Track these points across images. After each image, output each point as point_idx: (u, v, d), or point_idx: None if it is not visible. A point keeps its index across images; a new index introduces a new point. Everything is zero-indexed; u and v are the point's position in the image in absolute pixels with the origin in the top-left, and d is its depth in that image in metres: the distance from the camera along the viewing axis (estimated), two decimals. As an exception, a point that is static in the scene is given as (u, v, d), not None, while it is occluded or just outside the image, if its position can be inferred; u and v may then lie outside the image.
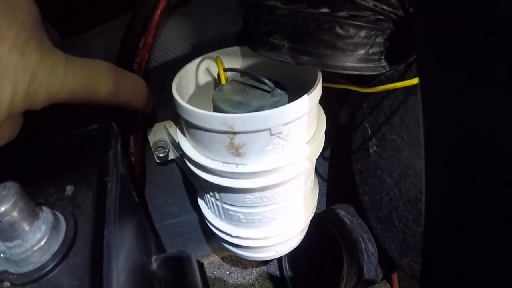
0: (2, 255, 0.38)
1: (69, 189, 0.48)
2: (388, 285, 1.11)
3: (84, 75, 0.47)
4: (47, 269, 0.38)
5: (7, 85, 0.39)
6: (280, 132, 0.49)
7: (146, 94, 0.61)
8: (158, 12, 0.63)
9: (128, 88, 0.55)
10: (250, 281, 1.06)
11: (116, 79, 0.52)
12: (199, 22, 0.70)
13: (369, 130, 0.81)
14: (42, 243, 0.38)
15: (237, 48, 0.65)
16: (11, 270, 0.38)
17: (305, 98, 0.49)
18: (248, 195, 0.57)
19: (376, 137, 0.79)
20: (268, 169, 0.52)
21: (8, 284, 0.38)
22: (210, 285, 1.03)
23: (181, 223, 0.96)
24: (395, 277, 1.10)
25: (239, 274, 1.08)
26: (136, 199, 0.59)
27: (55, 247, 0.39)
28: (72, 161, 0.54)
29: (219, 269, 1.08)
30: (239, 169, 0.52)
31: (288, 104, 0.48)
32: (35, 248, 0.38)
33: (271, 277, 1.08)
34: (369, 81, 0.64)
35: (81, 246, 0.40)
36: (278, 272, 1.08)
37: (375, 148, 0.80)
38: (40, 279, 0.38)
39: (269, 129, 0.48)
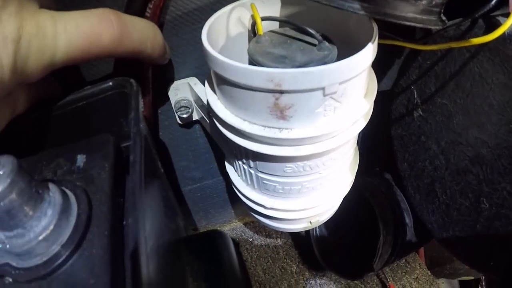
0: (0, 245, 0.31)
1: (80, 160, 0.40)
2: (416, 253, 1.07)
3: (78, 28, 0.41)
4: (57, 263, 0.31)
5: None
6: (335, 92, 0.42)
7: (161, 41, 0.54)
8: None
9: (138, 32, 0.48)
10: (275, 249, 1.02)
11: (120, 23, 0.45)
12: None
13: (415, 93, 0.73)
14: (48, 231, 0.31)
15: None
16: (14, 264, 0.31)
17: (365, 52, 0.42)
18: (289, 164, 0.50)
19: (423, 100, 0.72)
20: (317, 134, 0.45)
21: (10, 279, 0.31)
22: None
23: (203, 188, 0.91)
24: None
25: (262, 241, 1.03)
26: (162, 170, 0.52)
27: (65, 235, 0.32)
28: (84, 126, 0.48)
29: (241, 235, 1.04)
30: (283, 134, 0.45)
31: (347, 60, 0.40)
32: (41, 237, 0.30)
33: (296, 245, 1.04)
34: (420, 37, 0.57)
35: (97, 233, 0.33)
36: (304, 240, 1.02)
37: (421, 112, 0.74)
38: (49, 276, 0.31)
39: (323, 88, 0.40)
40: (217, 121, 0.52)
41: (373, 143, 0.92)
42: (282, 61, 0.47)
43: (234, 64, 0.41)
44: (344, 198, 0.67)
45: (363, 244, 0.95)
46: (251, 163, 0.54)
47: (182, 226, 0.57)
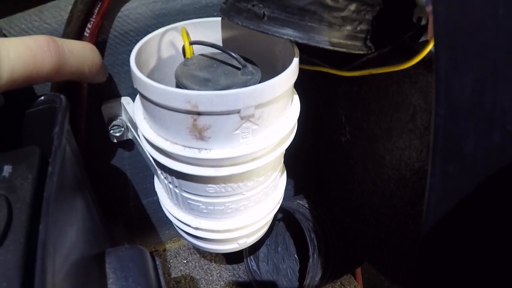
0: None
1: (6, 170, 0.40)
2: (352, 276, 1.08)
3: (20, 59, 0.42)
4: None
5: None
6: (252, 115, 0.44)
7: (99, 63, 0.55)
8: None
9: (76, 58, 0.49)
10: (208, 271, 1.02)
11: (58, 52, 0.46)
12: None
13: (343, 117, 0.76)
14: None
15: (213, 19, 0.60)
16: None
17: (281, 77, 0.44)
18: (211, 184, 0.52)
19: (350, 124, 0.75)
20: (235, 156, 0.46)
21: None
22: (166, 275, 0.99)
23: (137, 208, 0.90)
24: (358, 269, 1.08)
25: (196, 263, 1.03)
26: (86, 184, 0.53)
27: (-20, 241, 0.32)
28: (13, 137, 0.48)
29: (175, 257, 1.04)
30: (202, 154, 0.46)
31: (262, 84, 0.43)
32: None
33: (230, 267, 1.04)
34: (346, 64, 0.60)
35: (13, 240, 0.33)
36: (238, 262, 1.04)
37: (348, 137, 0.76)
38: None
39: (239, 111, 0.42)
40: (144, 140, 0.53)
41: (302, 165, 0.95)
42: (205, 84, 0.48)
43: (156, 85, 0.43)
44: (273, 221, 0.68)
45: (296, 265, 0.97)
46: (175, 182, 0.54)
47: (104, 238, 0.57)
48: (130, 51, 0.56)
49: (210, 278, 1.01)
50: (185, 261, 1.04)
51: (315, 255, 0.82)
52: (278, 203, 0.65)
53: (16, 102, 0.48)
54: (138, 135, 0.61)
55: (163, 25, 0.59)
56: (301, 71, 0.51)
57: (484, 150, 0.28)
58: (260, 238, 0.72)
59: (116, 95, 0.70)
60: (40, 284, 0.30)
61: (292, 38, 0.47)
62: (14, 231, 0.34)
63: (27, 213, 0.36)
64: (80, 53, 0.50)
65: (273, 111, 0.47)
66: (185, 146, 0.47)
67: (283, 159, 0.63)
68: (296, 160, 0.88)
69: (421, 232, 0.36)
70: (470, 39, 0.26)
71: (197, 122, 0.43)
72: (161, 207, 0.67)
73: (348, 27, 0.48)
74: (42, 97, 0.48)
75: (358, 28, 0.49)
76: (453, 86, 0.27)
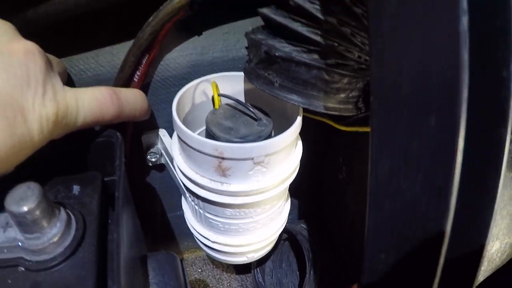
0: (20, 244, 0.42)
1: (76, 189, 0.52)
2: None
3: (91, 109, 0.51)
4: (59, 260, 0.43)
5: (35, 135, 0.44)
6: (262, 161, 0.57)
7: (146, 107, 0.65)
8: (163, 33, 0.67)
9: (130, 105, 0.59)
10: (220, 280, 1.14)
11: (118, 103, 0.56)
12: (201, 45, 0.76)
13: (341, 158, 0.87)
14: (56, 237, 0.42)
15: (238, 74, 0.72)
16: (27, 257, 0.43)
17: (285, 135, 0.57)
18: (228, 209, 0.65)
19: (347, 165, 0.86)
20: (248, 190, 0.60)
21: (22, 269, 0.43)
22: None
23: (162, 221, 1.03)
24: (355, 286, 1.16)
25: (209, 273, 1.15)
26: (131, 198, 0.64)
27: (67, 242, 0.44)
28: (78, 164, 0.58)
29: (191, 266, 1.16)
30: (224, 187, 0.60)
31: (270, 140, 0.56)
32: (51, 241, 0.42)
33: (239, 276, 1.16)
34: (344, 119, 0.70)
35: (88, 243, 0.45)
36: (246, 274, 1.16)
37: (344, 175, 0.87)
38: (52, 268, 0.43)
39: (252, 158, 0.56)
40: (178, 171, 0.67)
41: (306, 195, 1.06)
42: (228, 132, 0.62)
43: (192, 135, 0.57)
44: (279, 240, 0.79)
45: (296, 280, 1.09)
46: (201, 205, 0.68)
47: (145, 245, 0.69)
48: (169, 93, 0.68)
49: (221, 286, 1.13)
50: (199, 270, 1.16)
51: (311, 272, 0.93)
52: (282, 225, 0.77)
53: (74, 134, 0.57)
54: (172, 165, 0.74)
55: (196, 74, 0.73)
56: (306, 117, 0.63)
57: (398, 211, 0.37)
58: (266, 254, 0.84)
59: (154, 127, 0.82)
60: (116, 273, 0.43)
61: (296, 103, 0.58)
62: (88, 236, 0.47)
63: (96, 224, 0.49)
64: (133, 101, 0.61)
65: (279, 158, 0.60)
66: (211, 180, 0.61)
67: (287, 191, 0.76)
68: (300, 189, 0.99)
69: (360, 274, 0.45)
70: (388, 132, 0.35)
71: (221, 164, 0.57)
72: (182, 221, 0.78)
73: (342, 95, 0.58)
74: (102, 133, 0.60)
75: (350, 95, 0.59)
76: (378, 167, 0.38)
